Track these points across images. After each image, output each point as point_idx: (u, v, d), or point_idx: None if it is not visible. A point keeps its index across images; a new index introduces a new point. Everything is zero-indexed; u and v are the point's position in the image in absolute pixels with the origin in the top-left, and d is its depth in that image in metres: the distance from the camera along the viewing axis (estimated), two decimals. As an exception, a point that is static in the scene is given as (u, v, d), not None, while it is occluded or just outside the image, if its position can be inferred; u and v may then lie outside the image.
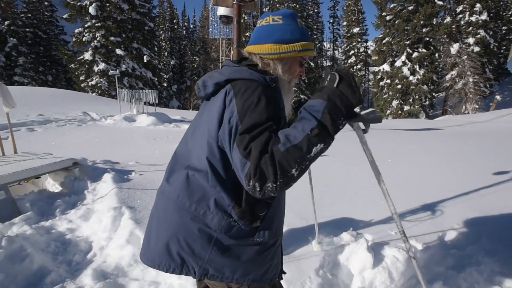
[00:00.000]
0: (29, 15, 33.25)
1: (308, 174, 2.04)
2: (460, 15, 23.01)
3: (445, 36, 23.16)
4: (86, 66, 23.65)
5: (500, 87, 25.54)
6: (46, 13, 35.34)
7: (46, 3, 35.30)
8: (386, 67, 24.86)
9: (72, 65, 24.32)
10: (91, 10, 22.57)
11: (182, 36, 46.95)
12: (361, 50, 37.12)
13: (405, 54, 23.34)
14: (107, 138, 6.87)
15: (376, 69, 26.59)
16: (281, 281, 1.27)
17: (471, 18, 22.17)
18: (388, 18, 24.29)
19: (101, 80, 23.24)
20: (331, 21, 46.77)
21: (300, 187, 1.61)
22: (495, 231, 2.43)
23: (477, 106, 20.43)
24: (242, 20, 3.68)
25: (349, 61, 37.49)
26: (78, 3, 23.15)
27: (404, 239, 1.25)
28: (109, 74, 22.50)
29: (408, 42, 23.13)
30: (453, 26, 22.83)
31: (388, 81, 24.80)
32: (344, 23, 40.31)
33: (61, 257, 2.36)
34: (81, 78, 23.89)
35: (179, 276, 1.92)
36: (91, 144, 6.24)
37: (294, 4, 30.23)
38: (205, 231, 0.99)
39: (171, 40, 42.59)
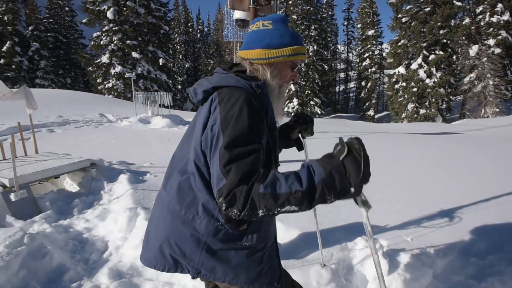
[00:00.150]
0: (51, 20, 34.58)
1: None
2: (480, 16, 22.34)
3: (463, 37, 22.53)
4: (103, 68, 24.27)
5: (522, 90, 24.59)
6: (67, 18, 36.65)
7: (67, 8, 36.63)
8: (401, 69, 24.43)
9: (90, 68, 25.03)
10: (109, 14, 23.19)
11: (197, 39, 47.61)
12: (376, 52, 36.57)
13: (421, 56, 22.86)
14: (123, 139, 7.01)
15: (391, 71, 26.16)
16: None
17: (491, 19, 21.48)
18: (404, 20, 23.88)
19: (117, 82, 23.79)
20: (345, 23, 46.35)
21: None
22: (518, 239, 2.34)
23: (497, 110, 19.73)
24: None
25: (363, 63, 37.00)
26: (97, 8, 23.85)
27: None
28: (125, 76, 22.90)
29: (424, 44, 22.65)
30: (472, 27, 22.19)
31: (404, 84, 24.35)
32: (359, 26, 39.86)
33: (79, 255, 2.43)
34: (98, 81, 24.53)
35: (192, 278, 1.93)
36: (107, 145, 6.39)
37: (308, 7, 30.08)
38: (195, 235, 1.02)
39: (185, 43, 43.25)
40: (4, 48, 29.19)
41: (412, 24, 23.32)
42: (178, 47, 40.77)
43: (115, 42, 23.79)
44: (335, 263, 2.00)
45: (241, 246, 1.03)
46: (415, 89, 23.13)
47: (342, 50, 49.21)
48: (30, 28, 31.45)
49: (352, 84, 46.86)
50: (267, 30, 1.09)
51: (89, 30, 26.21)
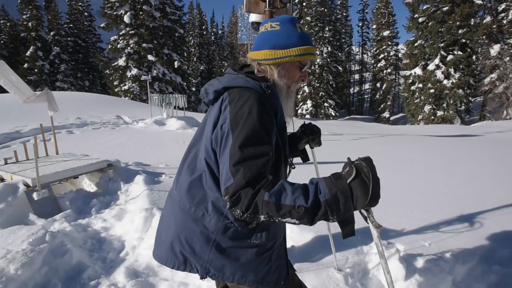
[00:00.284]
0: (71, 25, 35.79)
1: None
2: (502, 14, 21.58)
3: (483, 37, 21.81)
4: (120, 71, 24.89)
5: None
6: (86, 22, 37.88)
7: (86, 13, 37.85)
8: (418, 70, 23.85)
9: (107, 71, 25.75)
10: (126, 18, 23.77)
11: (211, 41, 48.11)
12: (391, 53, 35.90)
13: (438, 57, 22.26)
14: (138, 140, 7.15)
15: (407, 73, 25.58)
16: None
17: (515, 17, 20.73)
18: (420, 20, 23.32)
19: (133, 85, 24.32)
20: (360, 24, 45.82)
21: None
22: (543, 247, 2.24)
23: (520, 111, 18.98)
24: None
25: (378, 65, 36.40)
26: (114, 13, 24.52)
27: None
28: (141, 79, 23.52)
29: (442, 45, 22.06)
30: (494, 26, 21.45)
31: (420, 85, 23.75)
32: (374, 26, 39.27)
33: (97, 254, 2.49)
34: (115, 83, 25.17)
35: (207, 278, 1.94)
36: (123, 146, 6.53)
37: (323, 8, 29.86)
38: (204, 233, 1.03)
39: (200, 45, 43.80)
40: (28, 53, 30.50)
41: (429, 24, 22.75)
42: (193, 49, 41.34)
43: (131, 46, 24.36)
44: (350, 267, 1.98)
45: (250, 244, 1.04)
46: (432, 91, 22.54)
47: (357, 52, 48.61)
48: (52, 33, 32.69)
49: (367, 86, 46.21)
50: (274, 31, 1.10)
51: (107, 34, 27.04)
